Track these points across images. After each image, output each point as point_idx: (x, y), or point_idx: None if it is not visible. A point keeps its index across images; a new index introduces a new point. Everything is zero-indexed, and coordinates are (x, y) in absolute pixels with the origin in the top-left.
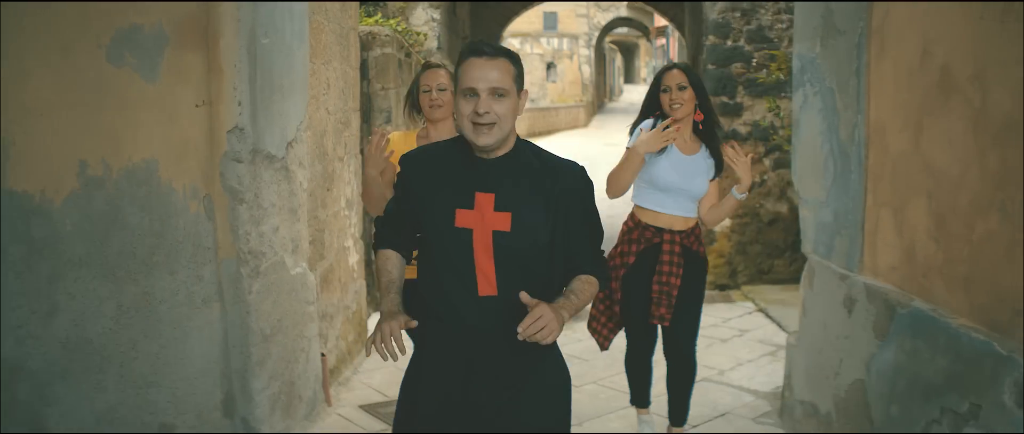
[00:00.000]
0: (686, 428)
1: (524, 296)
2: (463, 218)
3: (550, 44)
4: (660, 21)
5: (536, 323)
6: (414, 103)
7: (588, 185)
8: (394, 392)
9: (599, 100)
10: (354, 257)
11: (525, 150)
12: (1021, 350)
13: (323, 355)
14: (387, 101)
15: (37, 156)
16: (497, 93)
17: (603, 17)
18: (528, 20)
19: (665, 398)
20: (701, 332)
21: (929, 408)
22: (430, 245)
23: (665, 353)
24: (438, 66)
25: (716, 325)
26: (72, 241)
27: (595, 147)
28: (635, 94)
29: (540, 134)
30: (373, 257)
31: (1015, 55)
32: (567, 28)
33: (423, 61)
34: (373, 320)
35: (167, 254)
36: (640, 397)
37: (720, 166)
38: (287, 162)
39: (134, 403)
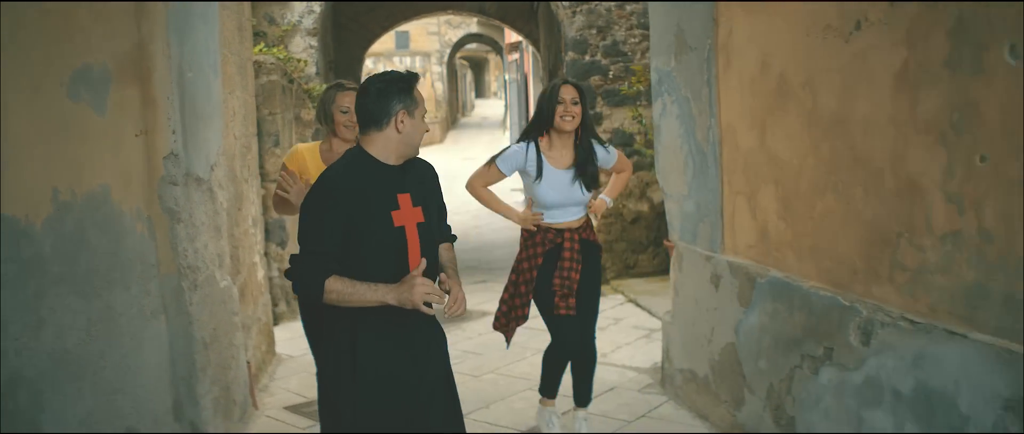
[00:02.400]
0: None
1: (445, 277)
2: (397, 217)
3: (403, 63)
4: (512, 37)
5: (459, 304)
6: (328, 117)
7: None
8: (312, 394)
9: (453, 116)
10: (260, 272)
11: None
12: (860, 301)
13: (248, 362)
14: (274, 125)
15: (22, 183)
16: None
17: (454, 34)
18: (380, 40)
19: (565, 382)
20: None
21: (791, 357)
22: (363, 252)
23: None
24: (353, 89)
25: None
26: (51, 260)
27: (454, 162)
28: (487, 108)
29: None
30: (296, 293)
31: (835, 65)
32: (419, 46)
33: (323, 85)
34: (283, 330)
35: (122, 271)
36: (552, 388)
37: (594, 178)
38: (211, 184)
39: (106, 409)
